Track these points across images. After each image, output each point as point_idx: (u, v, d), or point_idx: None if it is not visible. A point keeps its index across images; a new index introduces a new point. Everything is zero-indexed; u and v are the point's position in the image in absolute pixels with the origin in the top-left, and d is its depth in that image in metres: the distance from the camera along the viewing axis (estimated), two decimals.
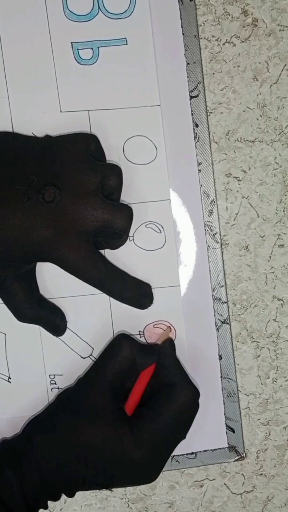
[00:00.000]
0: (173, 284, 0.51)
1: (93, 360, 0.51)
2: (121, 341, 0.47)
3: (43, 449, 0.45)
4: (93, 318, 0.51)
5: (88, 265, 0.45)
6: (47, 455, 0.45)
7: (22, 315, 0.47)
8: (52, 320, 0.49)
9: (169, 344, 0.48)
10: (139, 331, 0.51)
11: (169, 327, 0.51)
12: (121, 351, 0.47)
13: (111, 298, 0.49)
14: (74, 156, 0.45)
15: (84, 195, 0.44)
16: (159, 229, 0.50)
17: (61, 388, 0.52)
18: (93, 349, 0.51)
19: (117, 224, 0.44)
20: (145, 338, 0.51)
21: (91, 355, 0.51)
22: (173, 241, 0.51)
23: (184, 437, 0.48)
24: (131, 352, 0.47)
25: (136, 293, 0.49)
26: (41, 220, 0.43)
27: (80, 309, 0.51)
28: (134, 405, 0.47)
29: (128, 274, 0.49)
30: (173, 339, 0.51)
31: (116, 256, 0.50)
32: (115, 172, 0.45)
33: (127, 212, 0.45)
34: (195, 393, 0.47)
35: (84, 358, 0.51)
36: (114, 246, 0.48)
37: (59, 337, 0.51)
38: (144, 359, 0.47)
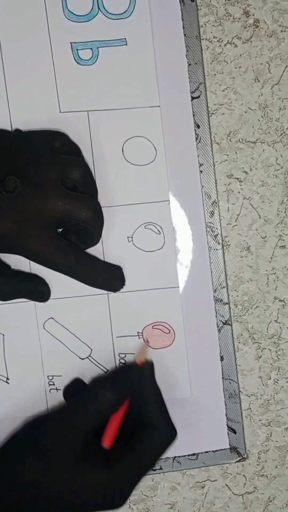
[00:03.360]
0: (172, 285, 0.51)
1: (91, 361, 0.52)
2: (96, 390, 0.46)
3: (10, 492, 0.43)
4: (91, 319, 0.51)
5: (55, 253, 0.45)
6: (14, 499, 0.43)
7: (1, 294, 0.47)
8: (33, 287, 0.49)
9: (149, 369, 0.47)
10: (137, 332, 0.51)
11: (147, 341, 0.51)
12: (96, 402, 0.45)
13: (110, 299, 0.49)
14: (36, 150, 0.45)
15: (45, 186, 0.44)
16: (158, 230, 0.50)
17: (59, 389, 0.52)
18: (91, 350, 0.51)
19: (80, 215, 0.44)
20: (143, 339, 0.51)
21: (89, 356, 0.52)
22: (172, 242, 0.51)
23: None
24: (107, 399, 0.45)
25: (108, 276, 0.49)
26: (2, 211, 0.43)
27: (78, 310, 0.51)
28: (112, 438, 0.46)
29: (98, 258, 0.49)
30: (171, 342, 0.51)
31: (115, 257, 0.50)
32: (76, 164, 0.45)
33: (90, 203, 0.45)
34: (174, 436, 0.46)
35: (82, 359, 0.52)
36: (86, 245, 0.48)
37: (59, 338, 0.51)
38: (119, 395, 0.46)
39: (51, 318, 0.51)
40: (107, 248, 0.50)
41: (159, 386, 0.47)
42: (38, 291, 0.49)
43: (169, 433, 0.46)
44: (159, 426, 0.46)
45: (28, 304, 0.50)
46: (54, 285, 0.50)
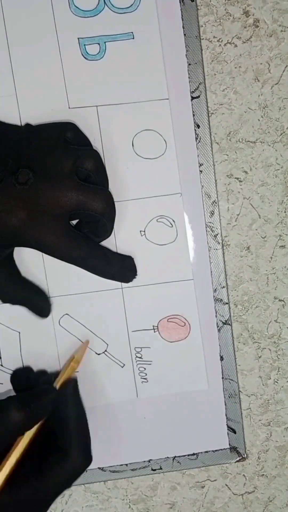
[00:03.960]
0: (186, 278, 0.51)
1: (108, 356, 0.52)
2: (3, 410, 0.42)
3: None
4: (106, 314, 0.51)
5: (68, 245, 0.45)
6: None
7: (5, 296, 0.47)
8: (36, 301, 0.49)
9: (71, 388, 0.45)
10: (153, 326, 0.51)
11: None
12: (1, 423, 0.42)
13: (124, 293, 0.49)
14: (48, 142, 0.45)
15: (58, 177, 0.44)
16: (171, 223, 0.50)
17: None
18: (107, 345, 0.51)
19: (93, 206, 0.44)
20: (159, 333, 0.51)
21: (105, 351, 0.51)
22: (184, 235, 0.51)
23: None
24: (12, 421, 0.42)
25: (120, 267, 0.49)
26: (15, 203, 0.43)
27: (93, 305, 0.51)
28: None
29: (110, 250, 0.49)
30: (187, 335, 0.51)
31: (128, 251, 0.50)
32: (89, 154, 0.45)
33: (103, 194, 0.45)
34: (86, 464, 0.43)
35: (99, 354, 0.51)
36: (99, 238, 0.48)
37: (75, 334, 0.51)
38: (28, 417, 0.43)
39: (67, 314, 0.51)
40: (120, 243, 0.50)
41: (83, 406, 0.45)
42: (39, 306, 0.50)
43: (81, 461, 0.43)
44: (71, 453, 0.43)
45: None
46: (69, 281, 0.50)
